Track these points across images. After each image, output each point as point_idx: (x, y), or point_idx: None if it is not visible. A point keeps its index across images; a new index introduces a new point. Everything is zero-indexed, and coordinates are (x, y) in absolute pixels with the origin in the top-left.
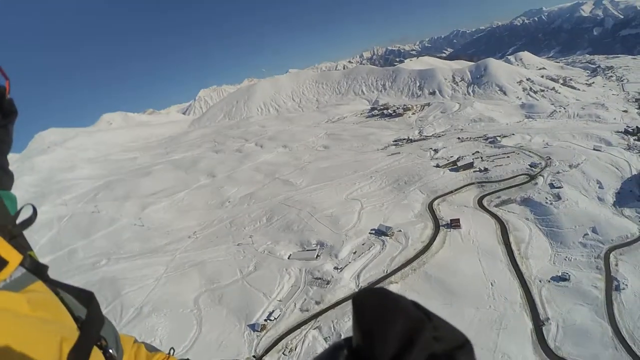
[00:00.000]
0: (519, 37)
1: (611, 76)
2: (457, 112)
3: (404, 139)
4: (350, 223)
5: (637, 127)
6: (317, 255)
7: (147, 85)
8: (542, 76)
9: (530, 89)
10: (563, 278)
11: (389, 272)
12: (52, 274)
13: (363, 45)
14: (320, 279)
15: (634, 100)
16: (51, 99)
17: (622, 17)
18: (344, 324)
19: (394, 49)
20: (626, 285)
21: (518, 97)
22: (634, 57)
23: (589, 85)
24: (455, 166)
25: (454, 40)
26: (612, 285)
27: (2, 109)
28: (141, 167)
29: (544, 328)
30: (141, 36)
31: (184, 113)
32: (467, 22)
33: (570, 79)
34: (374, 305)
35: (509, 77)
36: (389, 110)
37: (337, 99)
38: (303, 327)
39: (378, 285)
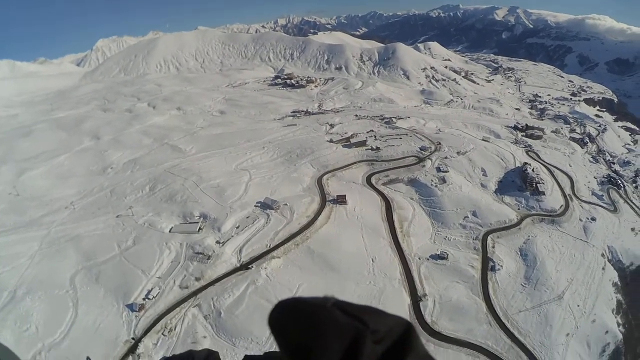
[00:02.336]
0: (432, 28)
1: (511, 77)
2: (359, 90)
3: (303, 111)
4: (236, 195)
5: (526, 124)
6: (200, 229)
7: (40, 29)
8: (447, 67)
9: (433, 77)
10: (442, 257)
11: (272, 247)
12: None
13: (280, 11)
14: (201, 254)
15: (527, 100)
16: None
17: (532, 27)
18: (224, 302)
19: (310, 20)
20: (501, 266)
21: (420, 83)
22: (535, 63)
23: (489, 81)
24: (349, 143)
25: (371, 21)
26: (488, 265)
27: None
28: (22, 127)
29: (421, 304)
30: None
31: (79, 64)
32: (385, 6)
33: (472, 74)
34: (298, 326)
35: (415, 64)
36: (293, 81)
37: (243, 63)
38: (183, 305)
39: (291, 297)
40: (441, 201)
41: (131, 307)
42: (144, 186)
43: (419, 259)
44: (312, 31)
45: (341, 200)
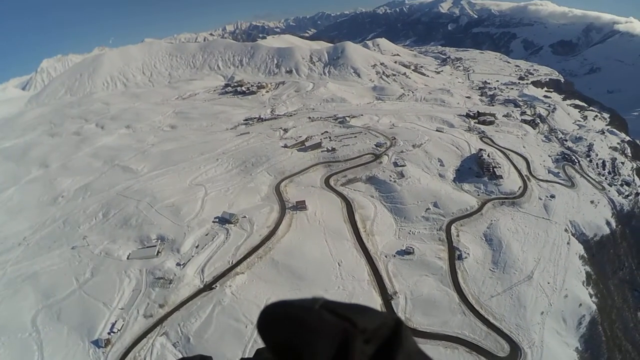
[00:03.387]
0: (379, 24)
1: (459, 66)
2: (310, 91)
3: (255, 118)
4: (192, 212)
5: (477, 111)
6: (158, 252)
7: None
8: (396, 62)
9: (383, 72)
10: (408, 252)
11: (234, 262)
12: None
13: (228, 18)
14: (162, 278)
15: (477, 88)
16: None
17: (477, 17)
18: (191, 326)
19: (258, 24)
20: (468, 254)
21: (371, 80)
22: (481, 51)
23: (438, 73)
24: (304, 146)
25: (319, 22)
26: (454, 255)
27: None
28: None
29: (392, 302)
30: None
31: (23, 88)
32: (332, 5)
33: (422, 66)
34: (287, 330)
35: (364, 61)
36: (243, 88)
37: (192, 73)
38: (149, 335)
39: (279, 300)
40: (401, 196)
41: (96, 343)
42: (97, 212)
43: (385, 256)
44: (260, 35)
45: (301, 205)
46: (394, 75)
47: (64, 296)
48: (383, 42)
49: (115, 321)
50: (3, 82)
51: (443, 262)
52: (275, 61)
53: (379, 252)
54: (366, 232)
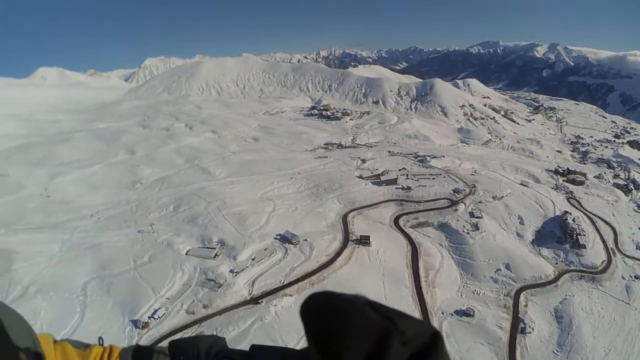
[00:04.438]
0: (472, 64)
1: (552, 116)
2: (394, 125)
3: (335, 144)
4: (257, 224)
5: (567, 168)
6: (216, 255)
7: (93, 42)
8: (485, 105)
9: (471, 115)
10: (467, 313)
11: (285, 283)
12: None
13: (323, 43)
14: (213, 280)
15: (569, 142)
16: None
17: (573, 64)
18: (227, 334)
19: (351, 52)
20: (532, 328)
21: (458, 121)
22: (576, 102)
23: (529, 121)
24: (379, 180)
25: (411, 56)
26: (518, 326)
27: None
28: (62, 132)
29: None
30: None
31: (126, 80)
32: (426, 41)
33: (512, 112)
34: (329, 318)
35: (453, 100)
36: (328, 112)
37: (282, 91)
38: (186, 330)
39: (323, 290)
40: (472, 250)
41: (135, 323)
42: (169, 205)
43: (442, 313)
44: (352, 64)
45: (364, 240)
46: (482, 118)
47: (118, 272)
48: (474, 82)
49: (158, 308)
50: (108, 71)
51: (503, 333)
52: (363, 90)
53: (437, 307)
54: (427, 282)
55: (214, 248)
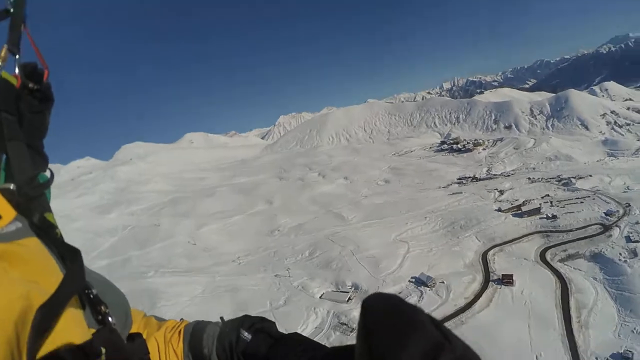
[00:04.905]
0: (604, 65)
1: None
2: (531, 148)
3: (469, 177)
4: (391, 267)
5: None
6: (349, 299)
7: (233, 107)
8: (628, 108)
9: (615, 122)
10: (625, 357)
11: None
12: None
13: (444, 74)
14: (345, 324)
15: None
16: (143, 114)
17: None
18: None
19: (474, 80)
20: None
21: (601, 132)
22: None
23: None
24: (520, 211)
25: (538, 71)
26: None
27: (40, 94)
28: (206, 188)
29: None
30: (226, 64)
31: (263, 137)
32: (551, 51)
33: None
34: (389, 316)
35: (592, 110)
36: (459, 145)
37: (409, 131)
38: None
39: (391, 293)
40: (631, 281)
41: None
42: (304, 250)
43: (596, 358)
44: (477, 91)
45: (507, 280)
46: (628, 125)
47: (255, 313)
48: (611, 85)
49: None
50: (247, 131)
51: None
52: (493, 117)
53: (590, 352)
54: (579, 323)
55: (348, 292)
